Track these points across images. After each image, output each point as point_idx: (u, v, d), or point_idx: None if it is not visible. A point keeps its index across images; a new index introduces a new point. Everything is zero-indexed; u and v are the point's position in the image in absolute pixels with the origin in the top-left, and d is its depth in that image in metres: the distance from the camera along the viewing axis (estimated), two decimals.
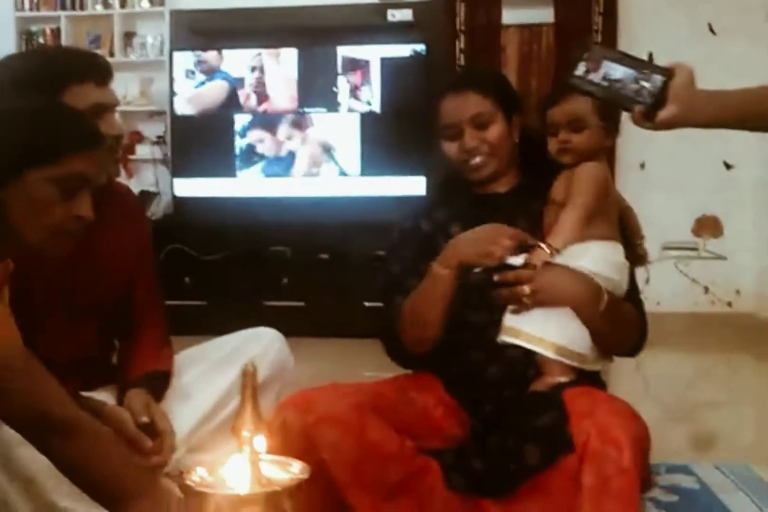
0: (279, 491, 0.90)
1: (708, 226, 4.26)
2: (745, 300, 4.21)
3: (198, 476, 0.92)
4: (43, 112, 1.30)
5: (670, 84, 1.21)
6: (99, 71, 1.50)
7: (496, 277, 1.49)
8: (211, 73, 4.21)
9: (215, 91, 4.22)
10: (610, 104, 1.33)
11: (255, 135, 4.21)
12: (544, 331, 1.48)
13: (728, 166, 4.22)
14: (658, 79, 1.22)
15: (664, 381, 3.36)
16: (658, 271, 4.20)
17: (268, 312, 3.93)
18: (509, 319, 1.50)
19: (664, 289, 4.18)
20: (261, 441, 0.94)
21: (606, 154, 1.65)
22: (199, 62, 4.21)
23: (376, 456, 1.41)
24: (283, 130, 4.19)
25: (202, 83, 4.22)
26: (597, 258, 1.51)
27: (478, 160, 1.62)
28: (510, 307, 1.50)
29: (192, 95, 4.22)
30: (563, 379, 1.49)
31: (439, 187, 1.83)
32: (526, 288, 1.47)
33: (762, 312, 4.09)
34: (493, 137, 1.62)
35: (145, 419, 1.43)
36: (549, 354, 1.48)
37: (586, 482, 1.28)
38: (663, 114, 1.21)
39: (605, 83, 1.25)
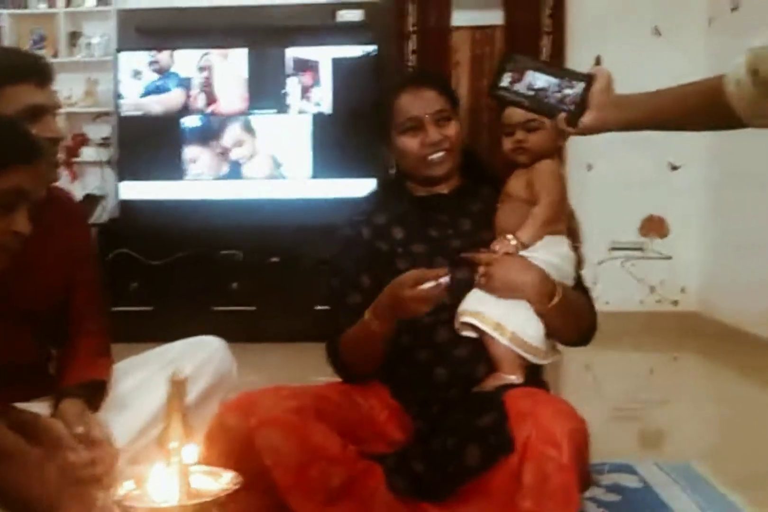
0: (208, 502, 0.88)
1: (654, 226, 4.33)
2: (691, 299, 4.29)
3: (125, 490, 0.90)
4: None
5: (591, 89, 1.25)
6: (39, 72, 1.47)
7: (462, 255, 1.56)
8: (162, 73, 4.15)
9: (162, 93, 4.16)
10: (536, 113, 1.36)
11: (204, 137, 4.16)
12: (501, 317, 1.52)
13: (674, 167, 4.28)
14: (580, 85, 1.26)
15: (613, 379, 3.41)
16: (606, 271, 4.26)
17: (217, 317, 3.88)
18: (470, 302, 1.54)
19: (611, 289, 4.23)
20: (191, 452, 0.92)
21: (558, 153, 1.70)
22: (151, 63, 4.15)
23: (318, 459, 1.40)
24: (233, 131, 4.15)
25: (156, 87, 4.16)
26: (550, 249, 1.57)
27: (440, 154, 1.63)
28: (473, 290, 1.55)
29: (140, 98, 4.16)
30: (512, 378, 1.51)
31: (377, 190, 1.82)
32: (481, 269, 1.52)
33: (707, 310, 4.16)
34: (452, 133, 1.64)
35: (80, 429, 1.40)
36: (503, 340, 1.51)
37: (526, 480, 1.30)
38: (584, 120, 1.25)
39: (530, 93, 1.28)
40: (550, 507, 1.28)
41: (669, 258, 4.30)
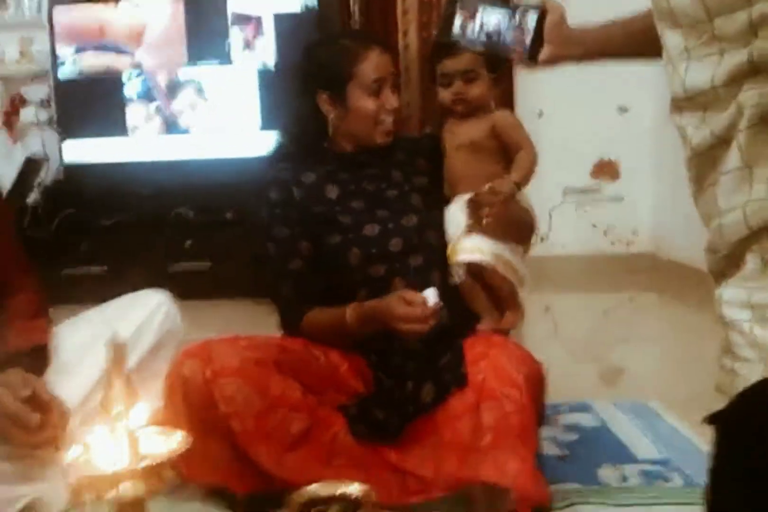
0: (156, 464, 0.87)
1: (606, 170, 4.35)
2: (644, 241, 4.34)
3: (73, 455, 0.88)
4: None
5: (544, 22, 1.23)
6: None
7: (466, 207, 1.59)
8: (98, 28, 4.00)
9: (101, 45, 4.02)
10: (493, 53, 1.34)
11: (145, 92, 4.04)
12: (498, 250, 1.60)
13: (623, 110, 4.29)
14: (533, 19, 1.23)
15: (571, 322, 3.46)
16: (560, 216, 4.28)
17: (172, 277, 3.83)
18: (467, 242, 1.60)
19: (566, 233, 4.27)
20: (138, 414, 0.90)
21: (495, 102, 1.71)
22: (85, 17, 3.99)
23: (277, 407, 1.43)
24: (175, 85, 4.04)
25: (92, 44, 4.01)
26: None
27: (390, 121, 1.64)
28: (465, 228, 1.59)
29: (77, 55, 4.02)
30: (487, 327, 1.59)
31: (294, 146, 1.72)
32: (485, 210, 1.56)
33: (659, 251, 4.22)
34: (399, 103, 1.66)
35: (26, 392, 1.36)
36: (504, 271, 1.60)
37: (485, 420, 1.33)
38: (540, 56, 1.24)
39: (483, 36, 1.25)
40: (509, 445, 1.31)
41: (621, 200, 4.34)
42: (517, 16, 1.23)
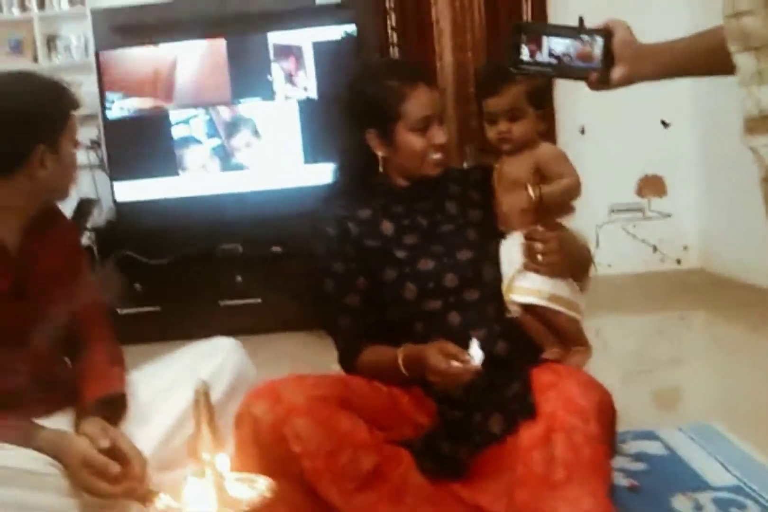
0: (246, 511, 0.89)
1: (651, 186, 4.32)
2: (693, 256, 4.29)
3: (163, 502, 0.90)
4: None
5: (611, 43, 1.21)
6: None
7: (520, 245, 1.59)
8: (144, 69, 4.12)
9: (148, 88, 4.13)
10: (565, 78, 1.30)
11: (191, 130, 4.13)
12: (554, 288, 1.59)
13: (665, 124, 4.27)
14: (600, 40, 1.21)
15: (623, 343, 3.42)
16: (607, 234, 4.27)
17: (224, 312, 3.89)
18: (522, 281, 1.60)
19: (614, 251, 4.25)
20: (223, 460, 0.93)
21: (544, 136, 1.72)
22: (131, 60, 4.11)
23: (346, 446, 1.42)
24: (220, 123, 4.13)
25: (139, 85, 4.12)
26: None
27: (440, 156, 1.64)
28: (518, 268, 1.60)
29: (124, 97, 4.13)
30: (553, 355, 1.59)
31: (351, 182, 1.73)
32: (538, 246, 1.57)
33: (710, 266, 4.17)
34: (447, 138, 1.66)
35: (105, 443, 1.40)
36: (563, 309, 1.59)
37: (557, 452, 1.32)
38: (615, 74, 1.21)
39: (553, 60, 1.23)
40: (582, 479, 1.30)
41: (669, 216, 4.30)
42: (584, 40, 1.22)
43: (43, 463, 1.37)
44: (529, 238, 1.59)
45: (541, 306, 1.59)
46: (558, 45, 1.22)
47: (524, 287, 1.59)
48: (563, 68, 1.23)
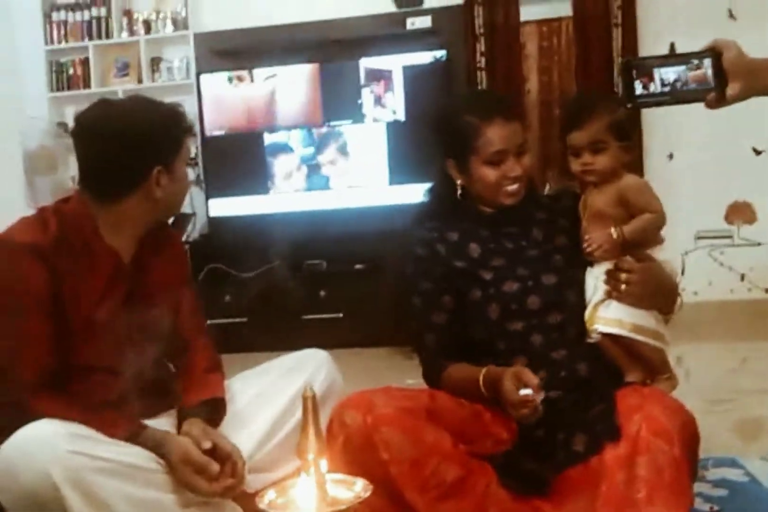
0: (345, 510, 0.96)
1: (740, 212, 4.24)
2: None
3: (268, 499, 0.98)
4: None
5: (722, 62, 1.23)
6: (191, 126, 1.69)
7: (604, 274, 1.62)
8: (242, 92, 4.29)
9: (244, 109, 4.31)
10: (684, 103, 1.32)
11: (284, 151, 4.29)
12: (637, 318, 1.61)
13: (757, 152, 4.20)
14: (708, 61, 1.24)
15: (706, 372, 3.36)
16: (693, 261, 4.20)
17: (307, 325, 4.00)
18: (605, 311, 1.62)
19: (700, 279, 4.18)
20: (324, 463, 1.00)
21: (627, 167, 1.74)
22: (230, 82, 4.29)
23: (432, 456, 1.49)
24: (311, 144, 4.27)
25: (237, 106, 4.29)
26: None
27: (516, 186, 1.68)
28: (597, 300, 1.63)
29: (222, 117, 4.31)
30: (635, 378, 1.62)
31: (441, 206, 1.80)
32: (623, 276, 1.59)
33: None
34: (528, 165, 1.70)
35: (207, 444, 1.49)
36: (647, 339, 1.60)
37: (640, 473, 1.35)
38: (730, 91, 1.23)
39: (667, 89, 1.26)
40: (665, 500, 1.32)
41: (758, 244, 4.22)
42: (693, 63, 1.25)
43: (149, 460, 1.48)
44: (615, 268, 1.62)
45: (624, 336, 1.61)
46: (668, 73, 1.26)
47: (607, 317, 1.62)
48: (678, 94, 1.26)
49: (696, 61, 1.25)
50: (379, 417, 1.48)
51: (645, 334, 1.61)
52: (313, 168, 4.29)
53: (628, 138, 1.67)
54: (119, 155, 1.56)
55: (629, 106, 1.29)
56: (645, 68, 1.27)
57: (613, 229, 1.61)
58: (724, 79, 1.23)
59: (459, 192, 1.74)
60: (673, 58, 1.30)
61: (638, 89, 1.27)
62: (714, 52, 1.25)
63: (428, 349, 1.70)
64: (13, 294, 1.51)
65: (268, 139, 4.29)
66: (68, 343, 1.55)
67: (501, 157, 1.65)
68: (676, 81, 1.26)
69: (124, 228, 1.64)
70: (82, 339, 1.56)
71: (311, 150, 4.28)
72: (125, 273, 1.64)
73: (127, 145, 1.57)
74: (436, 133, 1.76)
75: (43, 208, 1.63)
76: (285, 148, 4.29)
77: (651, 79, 1.26)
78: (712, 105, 1.26)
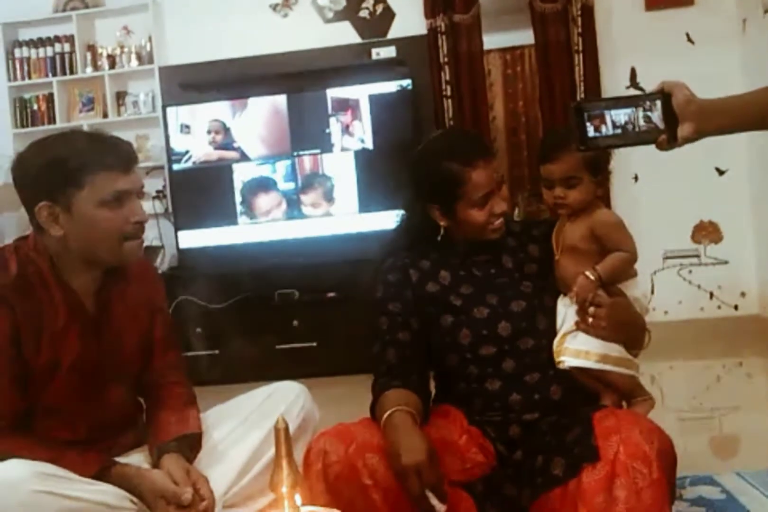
0: None
1: (706, 232, 4.31)
2: (751, 302, 4.25)
3: None
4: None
5: (672, 103, 1.25)
6: (119, 160, 1.55)
7: (575, 307, 1.63)
8: (207, 125, 4.31)
9: (211, 141, 4.32)
10: (635, 145, 1.32)
11: (252, 182, 4.29)
12: (602, 348, 1.62)
13: (720, 172, 4.28)
14: (659, 104, 1.26)
15: (680, 391, 3.39)
16: (662, 281, 4.25)
17: (280, 356, 3.97)
18: (573, 342, 1.63)
19: (669, 298, 4.23)
20: (298, 496, 0.99)
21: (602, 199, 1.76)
22: (195, 115, 4.31)
23: None
24: (279, 174, 4.28)
25: (202, 139, 4.30)
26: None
27: (500, 221, 1.70)
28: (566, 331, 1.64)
29: (188, 150, 4.32)
30: (609, 401, 1.63)
31: (413, 237, 1.79)
32: (591, 310, 1.60)
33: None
34: (506, 195, 1.73)
35: (188, 493, 1.47)
36: (613, 368, 1.61)
37: (619, 495, 1.35)
38: (681, 133, 1.24)
39: (619, 131, 1.27)
40: None
41: (725, 262, 4.28)
42: (644, 105, 1.26)
43: (121, 498, 1.45)
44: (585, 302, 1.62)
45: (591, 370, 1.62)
46: (619, 116, 1.26)
47: (573, 348, 1.62)
48: (629, 136, 1.27)
49: (646, 104, 1.27)
50: (362, 444, 1.47)
51: (612, 362, 1.62)
52: (282, 198, 4.29)
53: (602, 172, 1.68)
54: (18, 191, 1.55)
55: (582, 148, 1.29)
56: (596, 110, 1.27)
57: (589, 272, 1.62)
58: (674, 120, 1.25)
59: (441, 233, 1.75)
60: (623, 99, 1.30)
61: (590, 131, 1.27)
62: (664, 94, 1.26)
63: (387, 363, 1.66)
64: None
65: (237, 170, 4.29)
66: (32, 384, 1.53)
67: (486, 198, 1.66)
68: (627, 123, 1.27)
69: (73, 265, 1.58)
70: (46, 379, 1.54)
71: (280, 180, 4.28)
72: (84, 311, 1.60)
73: (18, 181, 1.55)
74: (415, 180, 1.74)
75: (2, 247, 1.60)
76: (254, 180, 4.29)
77: (602, 121, 1.27)
78: (664, 146, 1.28)
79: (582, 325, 1.62)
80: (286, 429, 0.98)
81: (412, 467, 1.40)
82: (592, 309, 1.61)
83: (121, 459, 1.57)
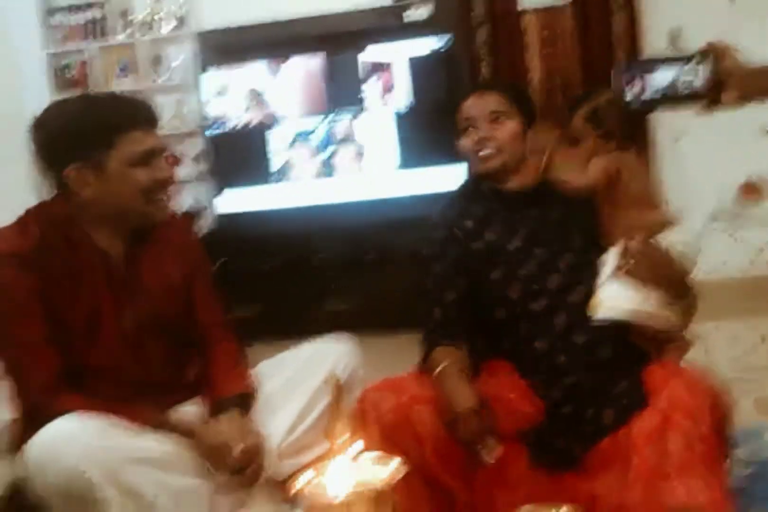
0: (379, 488, 0.95)
1: (752, 191, 4.23)
2: None
3: (302, 483, 0.97)
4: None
5: (719, 66, 1.22)
6: (147, 118, 1.57)
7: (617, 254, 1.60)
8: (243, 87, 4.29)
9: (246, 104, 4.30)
10: (680, 107, 1.31)
11: (290, 143, 4.27)
12: (637, 303, 1.58)
13: (766, 131, 4.17)
14: (704, 65, 1.23)
15: (725, 350, 3.35)
16: (710, 241, 4.18)
17: (322, 317, 3.99)
18: (607, 295, 1.60)
19: (717, 257, 4.15)
20: (358, 444, 0.99)
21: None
22: (231, 79, 4.29)
23: None
24: (317, 135, 4.25)
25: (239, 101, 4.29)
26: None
27: (487, 151, 1.69)
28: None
29: (225, 113, 4.31)
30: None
31: (458, 196, 1.83)
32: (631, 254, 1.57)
33: None
34: (502, 134, 1.70)
35: (239, 448, 1.50)
36: (649, 321, 1.59)
37: (671, 448, 1.34)
38: (726, 98, 1.23)
39: (660, 94, 1.25)
40: (697, 471, 1.32)
41: None
42: (688, 67, 1.24)
43: (180, 447, 1.49)
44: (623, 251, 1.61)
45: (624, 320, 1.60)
46: (663, 78, 1.25)
47: (605, 300, 1.61)
48: (672, 99, 1.26)
49: (691, 65, 1.25)
50: (413, 397, 1.50)
51: (641, 317, 1.60)
52: (320, 159, 4.27)
53: (603, 126, 1.65)
54: (37, 154, 1.56)
55: (629, 107, 1.28)
56: (640, 71, 1.26)
57: (624, 251, 1.61)
58: (718, 84, 1.23)
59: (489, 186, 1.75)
60: (668, 60, 1.28)
61: (629, 96, 1.26)
62: (709, 55, 1.24)
63: (434, 321, 1.68)
64: (2, 304, 1.51)
65: (273, 133, 4.27)
66: (74, 345, 1.55)
67: (469, 124, 1.70)
68: (670, 85, 1.25)
69: (101, 226, 1.59)
70: (87, 340, 1.56)
71: (317, 141, 4.26)
72: (116, 271, 1.61)
73: (41, 144, 1.56)
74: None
75: (25, 211, 1.61)
76: (291, 143, 4.27)
77: (645, 83, 1.26)
78: (705, 111, 1.26)
79: (624, 269, 1.59)
80: (338, 383, 0.99)
81: (464, 413, 1.41)
82: (634, 245, 1.59)
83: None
